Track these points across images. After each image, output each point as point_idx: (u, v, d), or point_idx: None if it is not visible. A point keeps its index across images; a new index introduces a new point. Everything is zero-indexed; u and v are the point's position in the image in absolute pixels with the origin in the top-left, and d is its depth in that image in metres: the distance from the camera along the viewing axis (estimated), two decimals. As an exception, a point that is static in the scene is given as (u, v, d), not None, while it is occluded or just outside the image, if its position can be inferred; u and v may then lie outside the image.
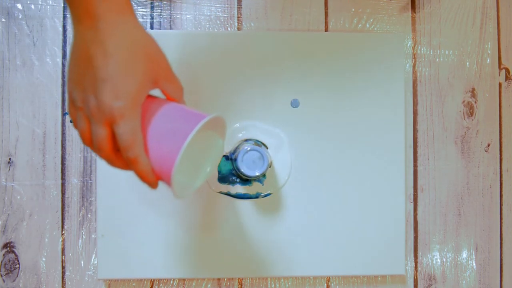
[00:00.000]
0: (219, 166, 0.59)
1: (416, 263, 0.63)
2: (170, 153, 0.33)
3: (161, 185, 0.37)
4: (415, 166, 0.64)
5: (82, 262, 0.60)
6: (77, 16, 0.33)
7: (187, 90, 0.60)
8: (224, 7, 0.62)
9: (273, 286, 0.61)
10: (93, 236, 0.60)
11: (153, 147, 0.34)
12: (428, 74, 0.64)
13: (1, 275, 0.60)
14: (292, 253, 0.60)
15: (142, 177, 0.35)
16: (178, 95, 0.39)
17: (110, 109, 0.32)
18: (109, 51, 0.32)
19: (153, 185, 0.36)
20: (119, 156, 0.35)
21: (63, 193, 0.61)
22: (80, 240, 0.60)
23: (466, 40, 0.64)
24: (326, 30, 0.63)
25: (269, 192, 0.60)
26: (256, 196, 0.59)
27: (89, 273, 0.60)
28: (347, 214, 0.60)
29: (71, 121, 0.60)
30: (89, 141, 0.35)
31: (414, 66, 0.64)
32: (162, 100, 0.37)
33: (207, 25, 0.62)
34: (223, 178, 0.60)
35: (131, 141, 0.33)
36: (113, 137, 0.34)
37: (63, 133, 0.61)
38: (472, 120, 0.64)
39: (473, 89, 0.64)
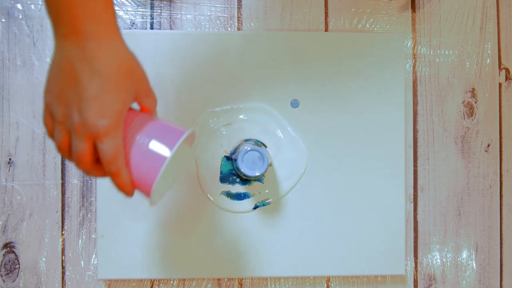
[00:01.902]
0: (220, 167, 0.59)
1: (416, 263, 0.63)
2: (150, 169, 0.36)
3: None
4: (415, 166, 0.64)
5: (82, 262, 0.60)
6: (62, 32, 0.33)
7: (187, 90, 0.60)
8: (224, 7, 0.62)
9: (273, 286, 0.61)
10: (93, 236, 0.60)
11: (134, 161, 0.36)
12: (428, 74, 0.64)
13: (1, 275, 0.60)
14: (292, 253, 0.60)
15: (121, 188, 0.36)
16: (153, 107, 0.40)
17: (95, 127, 0.33)
18: (96, 71, 0.33)
19: (129, 194, 0.37)
20: (97, 167, 0.36)
21: (63, 193, 0.61)
22: (80, 240, 0.60)
23: (466, 40, 0.64)
24: (326, 30, 0.63)
25: (268, 201, 0.60)
26: (255, 207, 0.60)
27: (89, 273, 0.60)
28: (347, 214, 0.60)
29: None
30: (67, 153, 0.36)
31: (414, 66, 0.64)
32: (139, 113, 0.39)
33: (207, 25, 0.62)
34: (223, 178, 0.60)
35: (114, 156, 0.34)
36: (94, 150, 0.35)
37: (63, 133, 0.61)
38: (472, 120, 0.64)
39: (473, 89, 0.64)
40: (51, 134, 0.36)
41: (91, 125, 0.33)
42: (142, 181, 0.36)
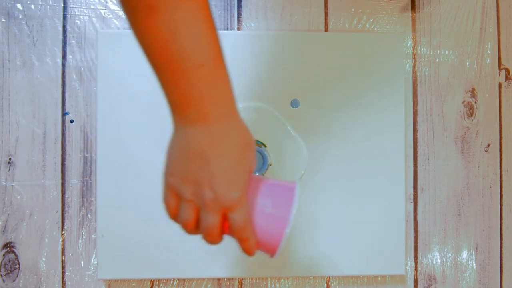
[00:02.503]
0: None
1: (416, 263, 0.63)
2: (274, 232, 0.38)
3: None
4: (415, 166, 0.64)
5: (82, 262, 0.60)
6: (190, 118, 0.35)
7: (187, 90, 0.60)
8: (224, 7, 0.62)
9: (273, 286, 0.61)
10: (93, 236, 0.60)
11: (257, 225, 0.38)
12: (428, 74, 0.64)
13: (1, 275, 0.60)
14: (292, 253, 0.60)
15: (247, 251, 0.39)
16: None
17: (228, 200, 0.36)
18: (224, 151, 0.36)
19: (252, 255, 0.40)
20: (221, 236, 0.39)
21: (63, 193, 0.61)
22: (80, 240, 0.60)
23: (466, 40, 0.64)
24: (326, 30, 0.63)
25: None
26: None
27: (89, 273, 0.60)
28: (347, 214, 0.60)
29: (71, 121, 0.60)
30: (193, 228, 0.38)
31: (414, 66, 0.64)
32: (251, 176, 0.40)
33: (207, 25, 0.62)
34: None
35: (245, 224, 0.37)
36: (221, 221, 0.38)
37: (63, 133, 0.61)
38: (472, 120, 0.64)
39: (473, 89, 0.64)
40: (174, 213, 0.38)
41: (224, 199, 0.36)
42: (266, 242, 0.39)
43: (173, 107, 0.36)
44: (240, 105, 0.60)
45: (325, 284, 0.62)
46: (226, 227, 0.37)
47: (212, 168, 0.35)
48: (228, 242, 0.59)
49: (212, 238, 0.38)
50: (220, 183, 0.36)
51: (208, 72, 0.34)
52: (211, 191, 0.36)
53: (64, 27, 0.61)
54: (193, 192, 0.36)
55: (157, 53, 0.34)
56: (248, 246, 0.38)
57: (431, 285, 0.63)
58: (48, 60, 0.61)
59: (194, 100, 0.35)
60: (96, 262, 0.60)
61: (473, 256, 0.64)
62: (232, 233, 0.38)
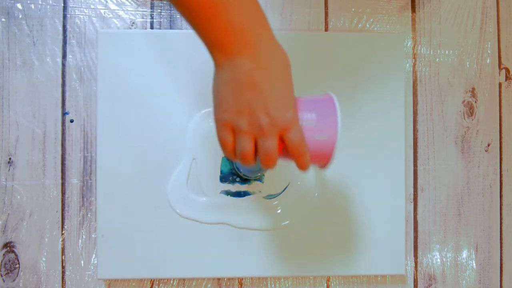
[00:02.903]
0: (220, 166, 0.60)
1: (416, 263, 0.63)
2: (324, 142, 0.40)
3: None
4: (415, 166, 0.64)
5: (82, 262, 0.60)
6: (233, 50, 0.36)
7: (187, 90, 0.60)
8: None
9: (273, 286, 0.61)
10: (93, 236, 0.60)
11: (309, 141, 0.40)
12: (428, 74, 0.64)
13: (1, 275, 0.60)
14: (292, 253, 0.60)
15: (304, 166, 0.40)
16: None
17: (284, 121, 0.37)
18: (272, 76, 0.37)
19: (307, 169, 0.40)
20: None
21: (63, 193, 0.61)
22: (80, 240, 0.60)
23: (466, 40, 0.64)
24: (326, 30, 0.63)
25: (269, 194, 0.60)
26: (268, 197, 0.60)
27: (89, 273, 0.60)
28: (347, 214, 0.60)
29: (71, 121, 0.60)
30: (252, 158, 0.39)
31: (414, 66, 0.64)
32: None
33: (207, 25, 0.62)
34: (223, 178, 0.60)
35: (302, 140, 0.38)
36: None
37: (63, 133, 0.61)
38: (472, 120, 0.64)
39: (473, 89, 0.64)
40: (231, 149, 0.39)
41: (280, 121, 0.37)
42: (319, 154, 0.40)
43: (215, 44, 0.36)
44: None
45: (325, 284, 0.62)
46: (280, 150, 0.39)
47: (265, 93, 0.37)
48: (228, 242, 0.59)
49: (271, 163, 0.38)
50: (274, 106, 0.37)
51: (244, 1, 0.36)
52: (267, 116, 0.37)
53: (64, 27, 0.61)
54: (249, 122, 0.37)
55: None
56: (304, 161, 0.39)
57: (431, 285, 0.63)
58: (48, 60, 0.61)
59: (236, 31, 0.36)
60: (96, 262, 0.60)
61: (473, 256, 0.64)
62: (289, 152, 0.39)
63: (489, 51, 0.65)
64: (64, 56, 0.61)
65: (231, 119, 0.37)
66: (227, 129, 0.38)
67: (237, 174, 0.59)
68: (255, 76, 0.36)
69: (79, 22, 0.61)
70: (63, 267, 0.60)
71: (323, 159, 0.41)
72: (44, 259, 0.60)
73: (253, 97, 0.37)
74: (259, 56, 0.37)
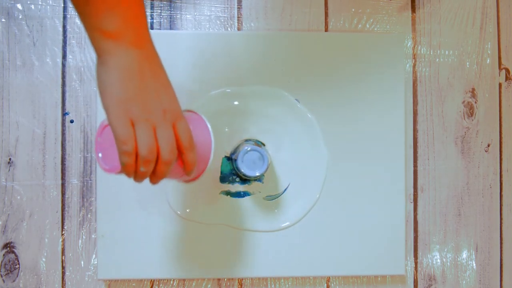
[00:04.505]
0: (220, 167, 0.60)
1: (416, 263, 0.63)
2: (204, 153, 0.44)
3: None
4: (415, 166, 0.64)
5: (82, 262, 0.60)
6: (129, 40, 0.38)
7: (187, 90, 0.60)
8: (224, 7, 0.62)
9: (273, 286, 0.61)
10: (93, 236, 0.60)
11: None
12: (428, 74, 0.64)
13: (1, 275, 0.60)
14: (292, 253, 0.60)
15: (191, 165, 0.41)
16: None
17: (175, 110, 0.39)
18: (159, 66, 0.40)
19: (192, 170, 0.41)
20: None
21: (63, 193, 0.61)
22: (80, 240, 0.60)
23: (466, 40, 0.64)
24: (326, 30, 0.63)
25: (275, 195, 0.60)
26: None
27: (89, 273, 0.60)
28: (347, 214, 0.60)
29: (71, 121, 0.60)
30: (154, 152, 0.37)
31: (414, 66, 0.64)
32: None
33: (207, 25, 0.62)
34: (223, 178, 0.60)
35: (189, 134, 0.40)
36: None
37: (63, 133, 0.61)
38: (472, 120, 0.64)
39: (473, 89, 0.64)
40: (132, 143, 0.36)
41: (172, 109, 0.39)
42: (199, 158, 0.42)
43: (110, 32, 0.37)
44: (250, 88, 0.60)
45: (325, 284, 0.62)
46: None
47: (156, 81, 0.39)
48: (228, 242, 0.59)
49: (173, 155, 0.38)
50: (166, 94, 0.39)
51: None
52: (161, 104, 0.38)
53: (64, 27, 0.61)
54: (146, 110, 0.37)
55: None
56: (192, 158, 0.40)
57: (431, 285, 0.63)
58: (48, 60, 0.61)
59: (132, 22, 0.37)
60: (96, 262, 0.60)
61: (473, 256, 0.64)
62: (180, 146, 0.39)
63: (489, 51, 0.65)
64: (64, 56, 0.61)
65: (128, 109, 0.36)
66: (126, 120, 0.36)
67: (237, 175, 0.59)
68: (146, 66, 0.38)
69: (79, 23, 0.61)
70: (63, 267, 0.60)
71: (197, 171, 0.43)
72: (44, 259, 0.60)
73: (146, 85, 0.38)
74: (148, 51, 0.39)
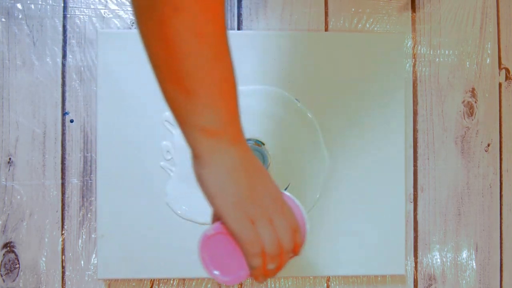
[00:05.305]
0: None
1: (416, 263, 0.63)
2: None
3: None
4: (415, 166, 0.64)
5: (82, 262, 0.60)
6: (231, 139, 0.35)
7: (187, 90, 0.60)
8: (224, 7, 0.62)
9: (273, 286, 0.61)
10: (93, 236, 0.60)
11: None
12: (428, 74, 0.64)
13: (1, 275, 0.60)
14: (292, 253, 0.60)
15: (300, 247, 0.38)
16: None
17: (279, 197, 0.37)
18: (253, 155, 0.38)
19: (301, 253, 0.39)
20: None
21: (63, 193, 0.61)
22: (80, 240, 0.60)
23: (466, 40, 0.64)
24: (326, 30, 0.63)
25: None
26: None
27: (89, 273, 0.60)
28: (347, 214, 0.60)
29: (71, 121, 0.60)
30: (279, 246, 0.36)
31: (414, 66, 0.64)
32: None
33: (207, 25, 0.62)
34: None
35: (295, 217, 0.38)
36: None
37: (63, 133, 0.61)
38: (472, 120, 0.64)
39: (473, 89, 0.64)
40: (258, 242, 0.35)
41: (278, 197, 0.37)
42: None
43: (213, 131, 0.34)
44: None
45: (325, 284, 0.62)
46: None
47: (258, 176, 0.36)
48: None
49: (292, 243, 0.36)
50: (269, 184, 0.37)
51: (232, 88, 0.35)
52: (269, 195, 0.36)
53: (64, 27, 0.61)
54: (260, 205, 0.35)
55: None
56: (301, 239, 0.38)
57: (431, 285, 0.63)
58: (48, 60, 0.61)
59: (232, 119, 0.35)
60: (96, 262, 0.60)
61: (473, 256, 0.64)
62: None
63: (489, 51, 0.65)
64: (64, 56, 0.61)
65: (246, 210, 0.35)
66: (246, 221, 0.34)
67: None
68: (248, 165, 0.36)
69: (79, 22, 0.61)
70: (63, 267, 0.60)
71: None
72: (44, 259, 0.60)
73: (254, 185, 0.35)
74: (246, 150, 0.36)
